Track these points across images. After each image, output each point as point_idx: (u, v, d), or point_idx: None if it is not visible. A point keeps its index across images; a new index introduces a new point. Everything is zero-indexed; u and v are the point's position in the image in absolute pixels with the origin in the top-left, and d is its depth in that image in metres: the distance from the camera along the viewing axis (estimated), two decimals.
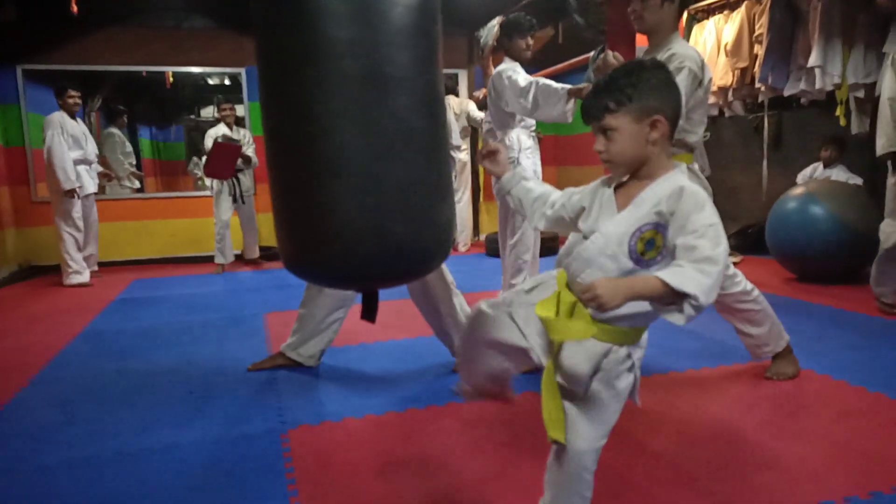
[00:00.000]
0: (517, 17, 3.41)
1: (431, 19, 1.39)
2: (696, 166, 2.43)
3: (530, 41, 3.37)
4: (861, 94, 4.31)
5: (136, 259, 6.69)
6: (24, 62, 6.27)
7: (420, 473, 1.90)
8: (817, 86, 4.43)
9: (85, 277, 5.54)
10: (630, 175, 1.34)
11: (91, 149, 5.63)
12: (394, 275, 1.49)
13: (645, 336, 1.34)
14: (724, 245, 1.19)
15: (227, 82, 7.72)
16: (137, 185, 7.60)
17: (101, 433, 2.27)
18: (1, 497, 1.85)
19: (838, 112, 4.48)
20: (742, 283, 2.44)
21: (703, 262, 1.17)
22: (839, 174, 4.87)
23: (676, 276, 1.16)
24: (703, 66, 2.32)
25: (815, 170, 5.03)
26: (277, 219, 1.43)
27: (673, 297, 1.16)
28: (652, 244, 1.26)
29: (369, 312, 1.61)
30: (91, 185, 5.62)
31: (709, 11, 5.50)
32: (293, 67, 1.31)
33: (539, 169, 3.56)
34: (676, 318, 1.20)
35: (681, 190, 1.23)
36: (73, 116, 5.46)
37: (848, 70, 4.30)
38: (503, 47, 3.45)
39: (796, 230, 4.30)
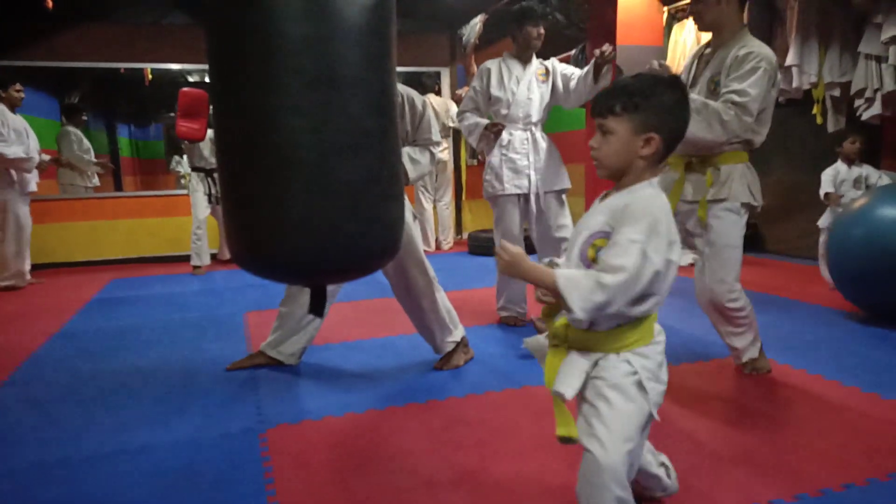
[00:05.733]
0: (529, 5, 3.34)
1: (386, 20, 1.41)
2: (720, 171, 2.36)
3: (542, 31, 3.30)
4: (837, 92, 4.37)
5: (113, 259, 6.59)
6: None
7: (400, 471, 1.89)
8: (794, 84, 4.47)
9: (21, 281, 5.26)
10: (616, 181, 1.40)
11: (33, 145, 5.19)
12: (341, 271, 1.50)
13: (652, 349, 1.38)
14: (634, 258, 1.22)
15: (207, 80, 7.64)
16: (102, 172, 7.20)
17: (77, 434, 2.23)
18: None
19: (815, 110, 4.54)
20: (741, 299, 2.42)
21: (606, 272, 1.23)
22: (872, 174, 4.10)
23: (570, 283, 1.23)
24: (776, 67, 2.33)
25: (838, 173, 4.17)
26: (227, 213, 1.44)
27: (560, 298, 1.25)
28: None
29: (317, 307, 1.63)
30: (33, 184, 5.26)
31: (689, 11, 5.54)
32: (246, 63, 1.32)
33: (515, 165, 3.31)
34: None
35: (625, 206, 1.30)
36: (13, 111, 5.09)
37: (824, 69, 4.35)
38: (512, 35, 3.36)
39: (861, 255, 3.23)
